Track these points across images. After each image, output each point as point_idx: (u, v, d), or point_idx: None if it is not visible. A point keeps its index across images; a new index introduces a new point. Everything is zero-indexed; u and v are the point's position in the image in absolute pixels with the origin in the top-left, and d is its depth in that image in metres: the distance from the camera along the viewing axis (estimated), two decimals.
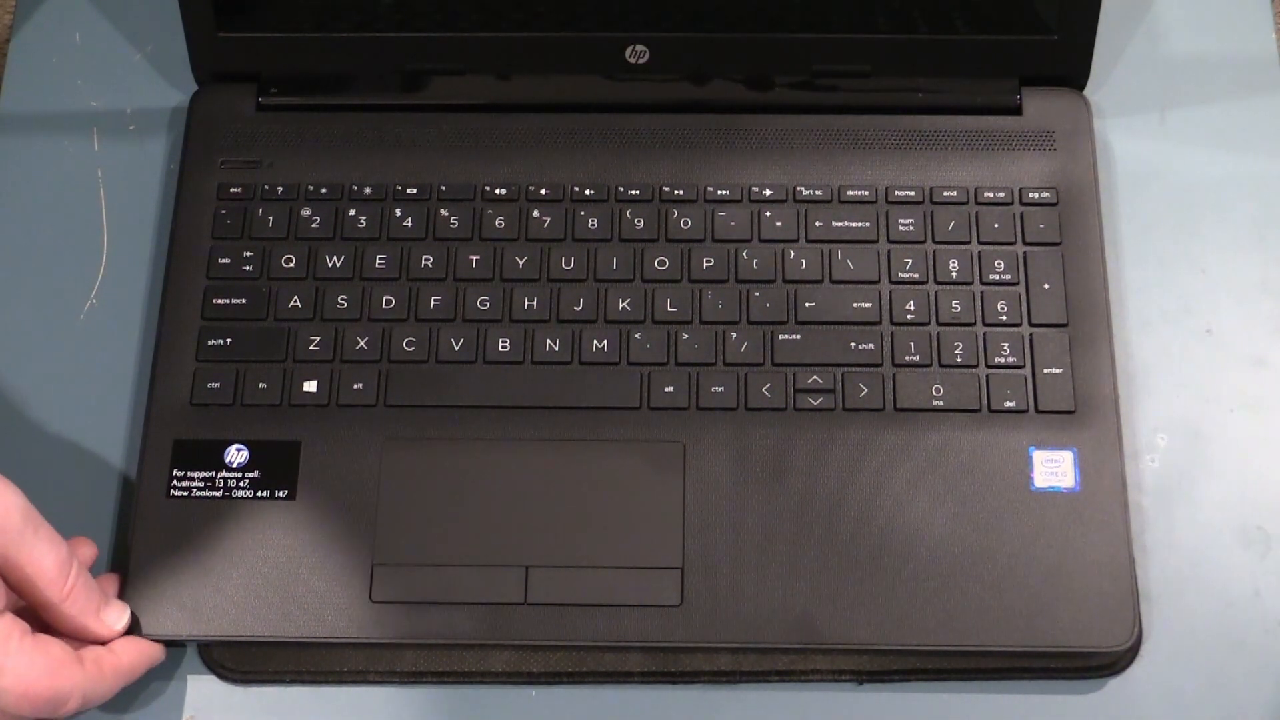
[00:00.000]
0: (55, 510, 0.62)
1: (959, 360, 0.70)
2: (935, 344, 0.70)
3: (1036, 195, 0.73)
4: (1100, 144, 0.76)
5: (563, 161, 0.75)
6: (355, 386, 0.70)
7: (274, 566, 0.67)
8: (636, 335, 0.71)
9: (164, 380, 0.70)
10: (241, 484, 0.69)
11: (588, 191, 0.74)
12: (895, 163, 0.74)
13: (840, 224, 0.73)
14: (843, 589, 0.66)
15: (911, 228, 0.73)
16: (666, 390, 0.70)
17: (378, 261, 0.73)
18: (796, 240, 0.73)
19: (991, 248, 0.72)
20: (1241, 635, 0.67)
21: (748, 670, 0.67)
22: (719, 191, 0.74)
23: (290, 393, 0.70)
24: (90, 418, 0.72)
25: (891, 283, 0.72)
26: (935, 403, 0.69)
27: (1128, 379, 0.72)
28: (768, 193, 0.74)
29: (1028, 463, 0.68)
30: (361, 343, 0.71)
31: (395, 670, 0.67)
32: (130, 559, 0.67)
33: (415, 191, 0.74)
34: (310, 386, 0.70)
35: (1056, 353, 0.70)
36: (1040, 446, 0.69)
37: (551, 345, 0.71)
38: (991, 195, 0.73)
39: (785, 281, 0.72)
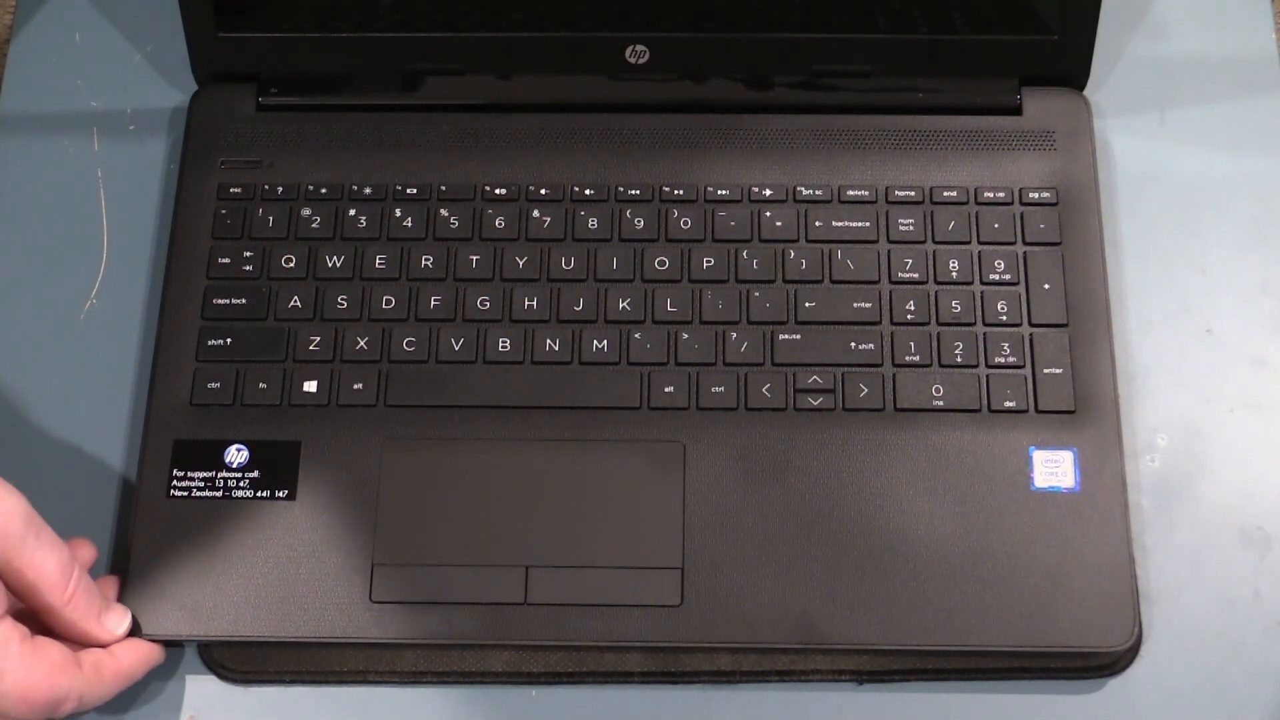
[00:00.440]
0: (55, 510, 0.62)
1: (959, 360, 0.70)
2: (935, 344, 0.70)
3: (1036, 195, 0.73)
4: (1100, 144, 0.76)
5: (563, 161, 0.75)
6: (355, 386, 0.70)
7: (274, 566, 0.67)
8: (636, 335, 0.71)
9: (164, 380, 0.70)
10: (241, 484, 0.69)
11: (588, 191, 0.74)
12: (895, 163, 0.74)
13: (840, 224, 0.73)
14: (843, 589, 0.66)
15: (911, 228, 0.73)
16: (666, 390, 0.70)
17: (378, 261, 0.73)
18: (796, 240, 0.73)
19: (991, 248, 0.72)
20: (1241, 635, 0.67)
21: (748, 670, 0.67)
22: (719, 191, 0.74)
23: (290, 393, 0.70)
24: (90, 418, 0.72)
25: (891, 283, 0.72)
26: (935, 403, 0.69)
27: (1128, 379, 0.72)
28: (768, 193, 0.74)
29: (1028, 463, 0.68)
30: (361, 343, 0.71)
31: (395, 670, 0.67)
32: (130, 559, 0.67)
33: (415, 191, 0.74)
34: (310, 386, 0.70)
35: (1056, 353, 0.70)
36: (1040, 446, 0.69)
37: (551, 345, 0.71)
38: (991, 195, 0.73)
39: (785, 281, 0.72)
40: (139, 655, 0.65)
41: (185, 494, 0.68)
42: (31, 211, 0.76)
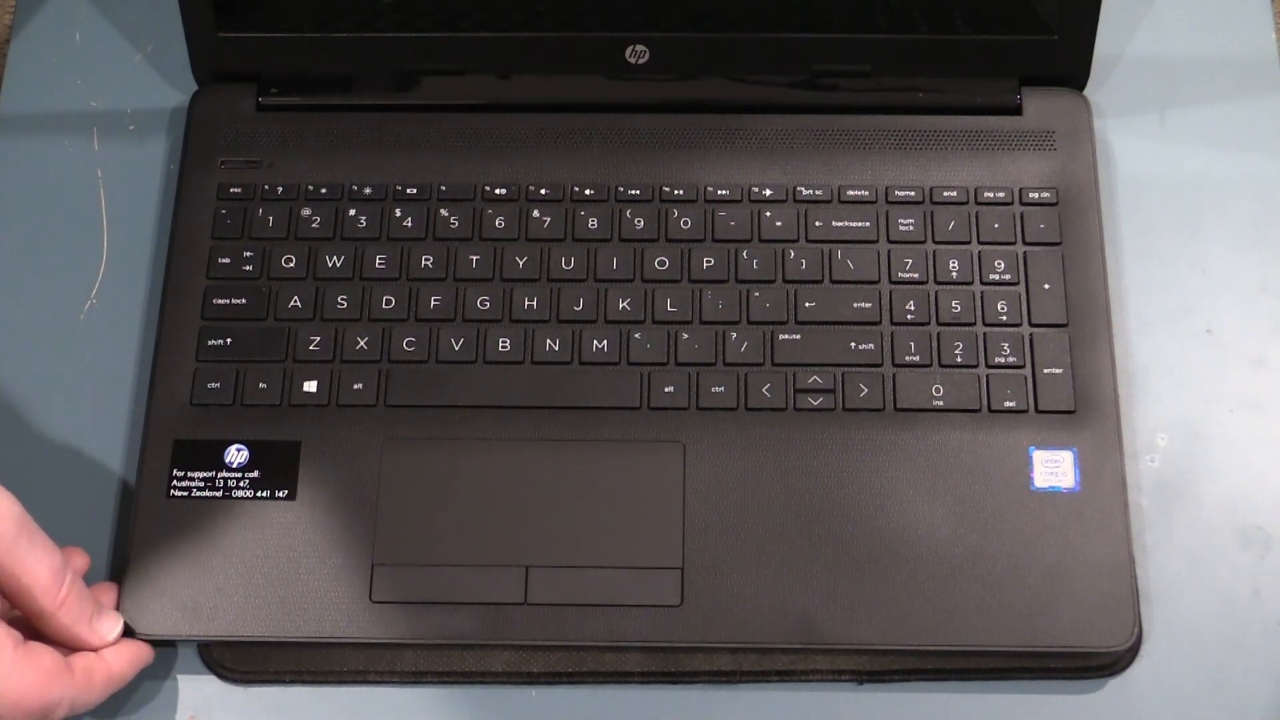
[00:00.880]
0: (55, 510, 0.62)
1: (959, 360, 0.70)
2: (935, 344, 0.70)
3: (1036, 195, 0.73)
4: (1100, 144, 0.76)
5: (563, 161, 0.75)
6: (355, 386, 0.70)
7: (274, 566, 0.67)
8: (636, 335, 0.71)
9: (164, 380, 0.70)
10: (241, 484, 0.69)
11: (588, 191, 0.74)
12: (895, 163, 0.74)
13: (840, 224, 0.73)
14: (843, 589, 0.66)
15: (911, 228, 0.73)
16: (666, 390, 0.70)
17: (378, 261, 0.73)
18: (796, 240, 0.73)
19: (991, 248, 0.72)
20: (1241, 635, 0.67)
21: (748, 670, 0.67)
22: (719, 191, 0.74)
23: (290, 393, 0.70)
24: (90, 418, 0.72)
25: (891, 283, 0.72)
26: (935, 403, 0.69)
27: (1128, 379, 0.72)
28: (768, 193, 0.74)
29: (1028, 463, 0.68)
30: (361, 343, 0.71)
31: (395, 670, 0.67)
32: (130, 559, 0.67)
33: (415, 191, 0.74)
34: (310, 386, 0.70)
35: (1056, 353, 0.70)
36: (1040, 446, 0.69)
37: (551, 345, 0.71)
38: (991, 195, 0.73)
39: (785, 281, 0.72)
40: (129, 658, 0.65)
41: (185, 494, 0.68)
42: (31, 211, 0.76)
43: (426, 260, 0.72)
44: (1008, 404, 0.69)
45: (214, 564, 0.67)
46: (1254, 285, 0.74)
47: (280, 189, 0.74)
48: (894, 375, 0.70)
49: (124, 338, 0.73)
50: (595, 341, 0.71)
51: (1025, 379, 0.70)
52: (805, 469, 0.68)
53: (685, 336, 0.71)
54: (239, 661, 0.67)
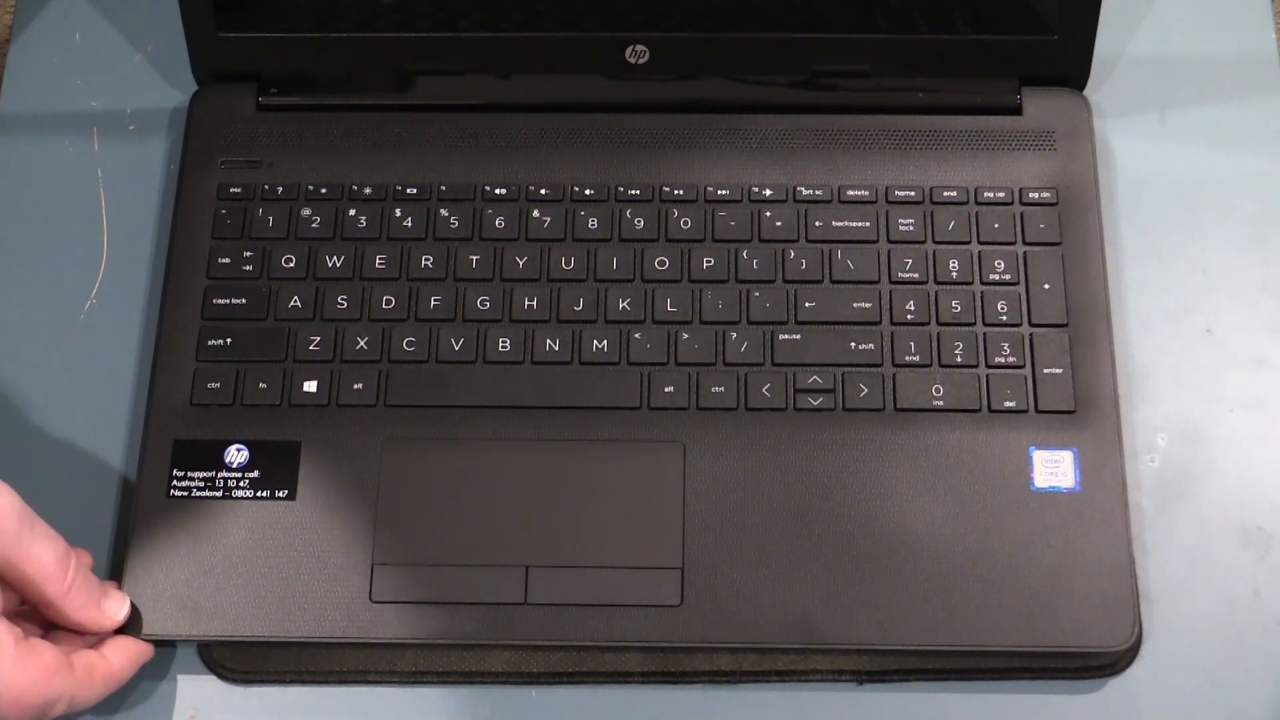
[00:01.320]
0: (54, 510, 0.62)
1: (959, 360, 0.70)
2: (935, 344, 0.70)
3: (1036, 195, 0.73)
4: (1100, 144, 0.76)
5: (563, 161, 0.75)
6: (355, 386, 0.70)
7: (274, 566, 0.67)
8: (636, 335, 0.71)
9: (164, 380, 0.70)
10: (241, 484, 0.69)
11: (588, 191, 0.74)
12: (895, 163, 0.74)
13: (840, 224, 0.73)
14: (843, 589, 0.66)
15: (911, 228, 0.73)
16: (666, 390, 0.70)
17: (378, 261, 0.73)
18: (796, 240, 0.73)
19: (991, 248, 0.72)
20: (1241, 635, 0.67)
21: (748, 670, 0.67)
22: (719, 191, 0.74)
23: (290, 393, 0.70)
24: (90, 418, 0.72)
25: (891, 283, 0.72)
26: (935, 403, 0.69)
27: (1128, 379, 0.72)
28: (768, 193, 0.74)
29: (1028, 463, 0.68)
30: (361, 343, 0.71)
31: (395, 670, 0.67)
32: (130, 559, 0.67)
33: (415, 191, 0.74)
34: (310, 386, 0.70)
35: (1056, 353, 0.70)
36: (1040, 446, 0.69)
37: (551, 345, 0.71)
38: (991, 195, 0.73)
39: (785, 281, 0.72)
40: (129, 655, 0.65)
41: (185, 494, 0.68)
42: (31, 211, 0.76)
43: (426, 260, 0.72)
44: (1008, 404, 0.69)
45: (214, 564, 0.67)
46: (1254, 285, 0.74)
47: (280, 189, 0.74)
48: (894, 375, 0.70)
49: (124, 338, 0.73)
50: (595, 341, 0.71)
51: (1025, 379, 0.70)
52: (805, 469, 0.68)
53: (685, 336, 0.71)
54: (239, 661, 0.67)
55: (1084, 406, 0.69)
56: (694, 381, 0.70)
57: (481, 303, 0.72)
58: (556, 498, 0.68)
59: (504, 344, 0.71)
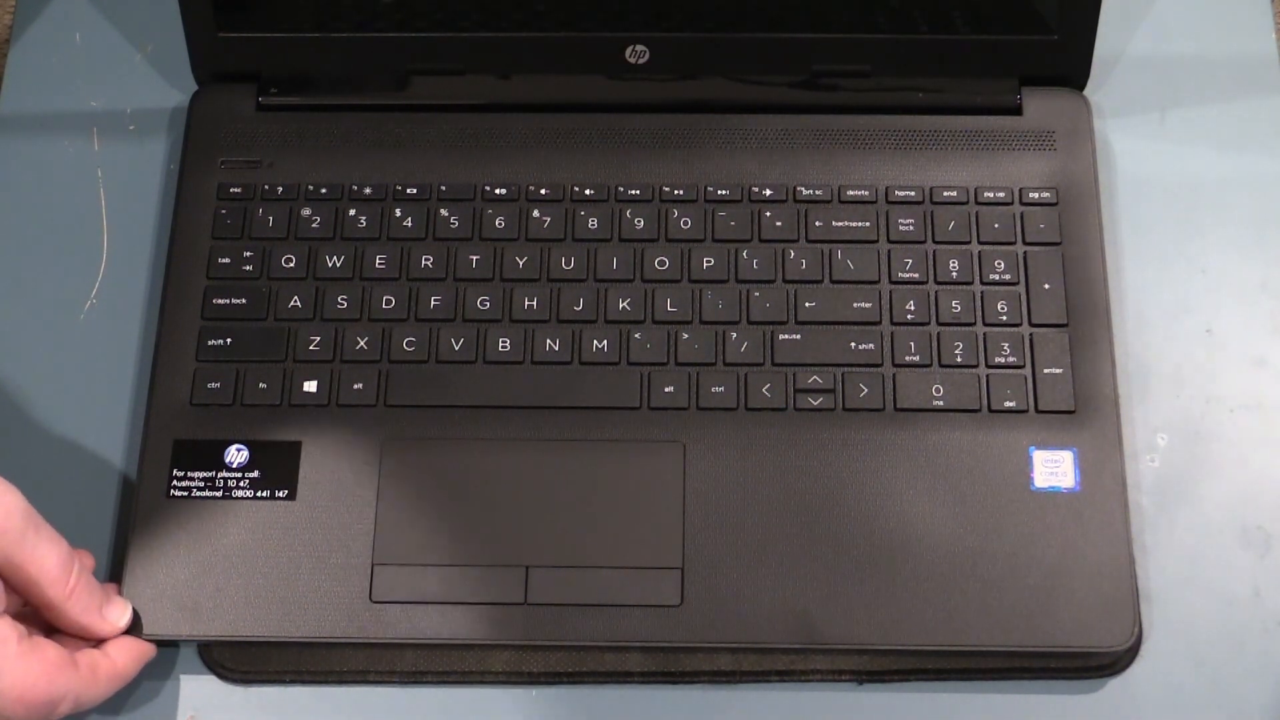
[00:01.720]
0: (55, 511, 0.62)
1: (959, 360, 0.70)
2: (935, 344, 0.70)
3: (1036, 195, 0.73)
4: (1100, 144, 0.76)
5: (563, 161, 0.75)
6: (355, 386, 0.70)
7: (274, 566, 0.67)
8: (636, 335, 0.71)
9: (164, 380, 0.70)
10: (241, 484, 0.69)
11: (588, 191, 0.74)
12: (895, 163, 0.74)
13: (840, 224, 0.73)
14: (843, 589, 0.66)
15: (911, 228, 0.73)
16: (666, 390, 0.70)
17: (378, 261, 0.73)
18: (796, 240, 0.73)
19: (991, 248, 0.72)
20: (1241, 635, 0.67)
21: (748, 670, 0.67)
22: (719, 191, 0.74)
23: (290, 393, 0.70)
24: (90, 418, 0.72)
25: (891, 283, 0.72)
26: (935, 403, 0.69)
27: (1128, 379, 0.72)
28: (768, 193, 0.74)
29: (1028, 463, 0.68)
30: (361, 343, 0.71)
31: (395, 670, 0.67)
32: (130, 559, 0.67)
33: (415, 191, 0.74)
34: (310, 386, 0.70)
35: (1056, 353, 0.70)
36: (1040, 446, 0.69)
37: (551, 345, 0.71)
38: (991, 195, 0.73)
39: (785, 281, 0.72)
40: (133, 654, 0.65)
41: (185, 494, 0.68)
42: (31, 211, 0.76)
43: (426, 260, 0.72)
44: (1008, 404, 0.69)
45: (214, 564, 0.67)
46: (1254, 285, 0.74)
47: (280, 189, 0.74)
48: (894, 375, 0.70)
49: (124, 338, 0.73)
50: (595, 341, 0.71)
51: (1025, 379, 0.70)
52: (805, 469, 0.68)
53: (685, 336, 0.71)
54: (239, 661, 0.67)
55: (1084, 406, 0.69)
56: (694, 381, 0.70)
57: (481, 303, 0.72)
58: (556, 498, 0.68)
59: (504, 344, 0.71)
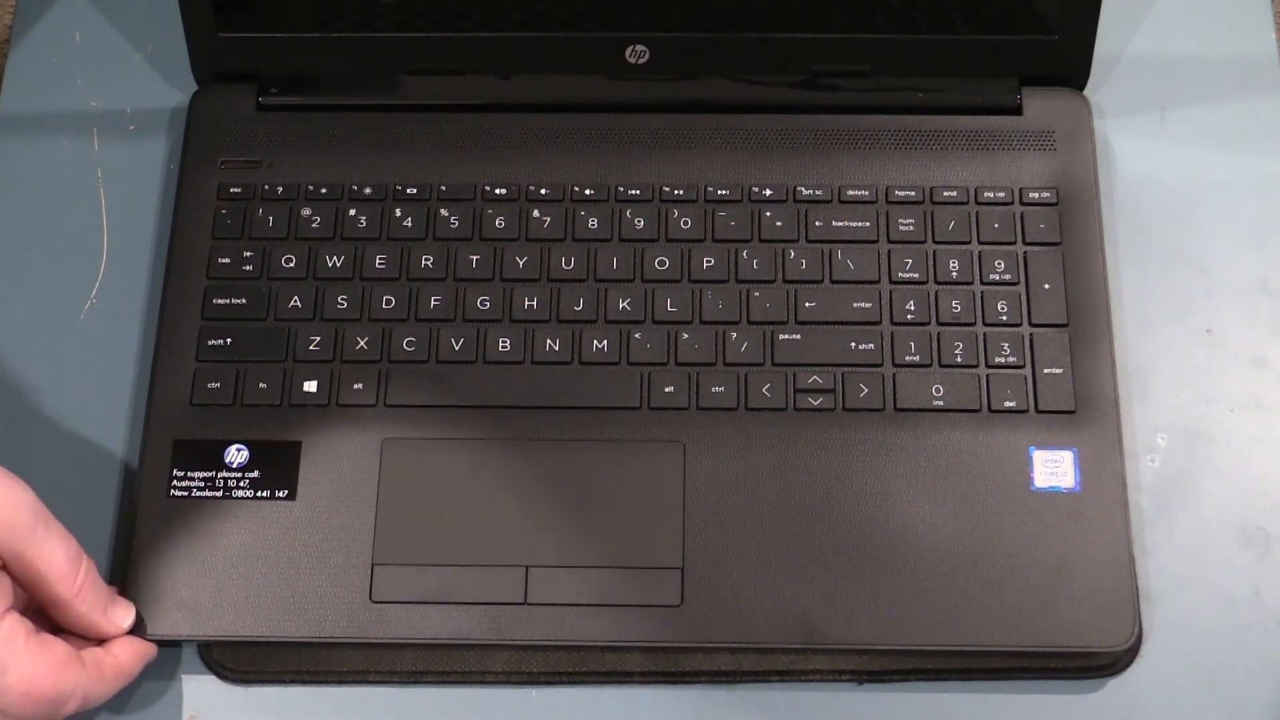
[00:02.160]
0: (55, 511, 0.62)
1: (959, 360, 0.70)
2: (935, 344, 0.70)
3: (1036, 195, 0.73)
4: (1100, 144, 0.76)
5: (563, 161, 0.75)
6: (355, 386, 0.70)
7: (274, 566, 0.67)
8: (636, 335, 0.71)
9: (164, 380, 0.70)
10: (241, 484, 0.69)
11: (588, 191, 0.74)
12: (895, 163, 0.74)
13: (840, 224, 0.73)
14: (843, 589, 0.66)
15: (911, 228, 0.73)
16: (666, 390, 0.70)
17: (378, 261, 0.73)
18: (796, 240, 0.73)
19: (991, 248, 0.72)
20: (1241, 635, 0.67)
21: (748, 670, 0.67)
22: (719, 191, 0.74)
23: (290, 393, 0.70)
24: (90, 418, 0.72)
25: (891, 283, 0.72)
26: (935, 403, 0.69)
27: (1128, 379, 0.72)
28: (768, 193, 0.74)
29: (1028, 463, 0.68)
30: (361, 343, 0.71)
31: (395, 670, 0.67)
32: (130, 559, 0.67)
33: (415, 191, 0.74)
34: (310, 386, 0.70)
35: (1056, 353, 0.70)
36: (1040, 446, 0.69)
37: (551, 345, 0.71)
38: (991, 195, 0.73)
39: (785, 281, 0.72)
40: (136, 652, 0.65)
41: (185, 494, 0.68)
42: (31, 211, 0.76)
43: (426, 260, 0.72)
44: (1008, 404, 0.69)
45: (214, 564, 0.67)
46: (1254, 285, 0.74)
47: (280, 189, 0.74)
48: (894, 375, 0.70)
49: (124, 338, 0.73)
50: (595, 341, 0.71)
51: (1025, 379, 0.70)
52: (805, 469, 0.68)
53: (685, 336, 0.71)
54: (239, 661, 0.67)
55: (1084, 406, 0.69)
56: (694, 381, 0.70)
57: (481, 303, 0.72)
58: (556, 498, 0.68)
59: (504, 344, 0.71)
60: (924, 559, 0.66)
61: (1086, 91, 0.76)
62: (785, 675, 0.67)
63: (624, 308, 0.71)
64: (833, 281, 0.72)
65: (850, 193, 0.73)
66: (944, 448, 0.68)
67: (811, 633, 0.65)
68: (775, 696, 0.67)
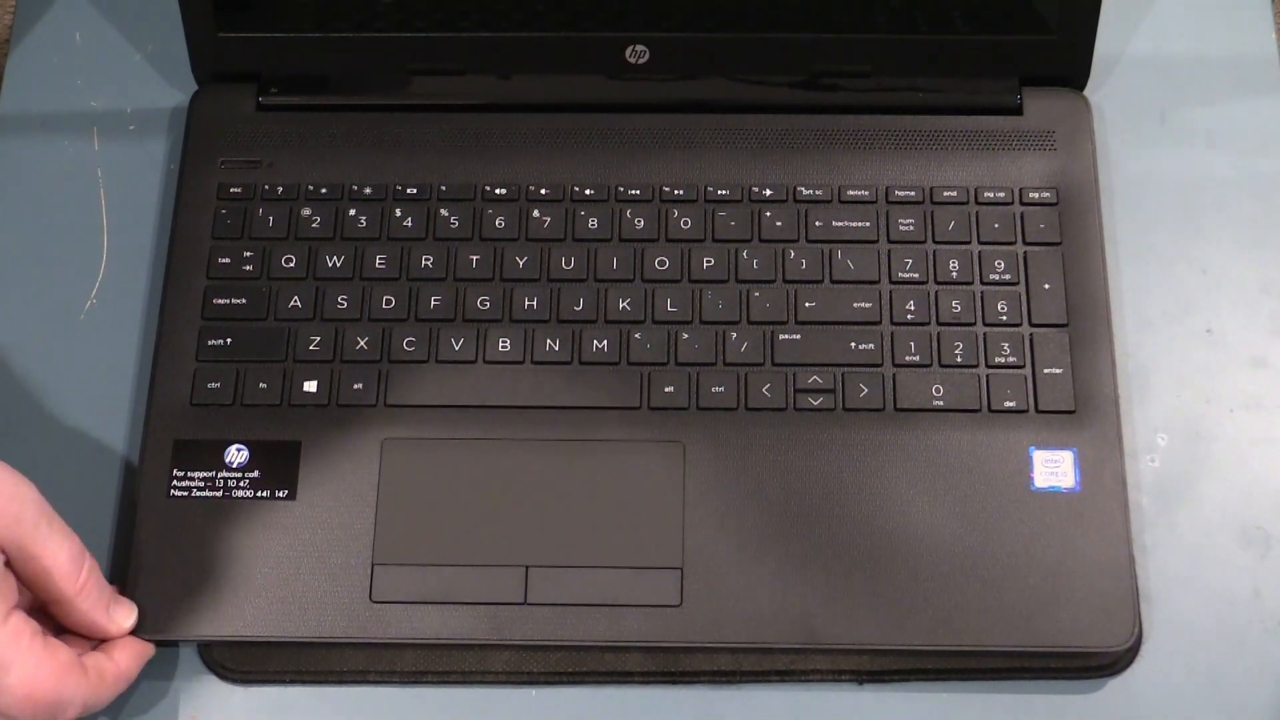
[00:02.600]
0: (56, 510, 0.62)
1: (959, 360, 0.70)
2: (935, 344, 0.70)
3: (1036, 195, 0.73)
4: (1100, 144, 0.76)
5: (563, 161, 0.75)
6: (355, 386, 0.70)
7: (274, 566, 0.67)
8: (636, 335, 0.71)
9: (164, 380, 0.70)
10: (241, 484, 0.69)
11: (588, 191, 0.74)
12: (895, 163, 0.74)
13: (840, 224, 0.73)
14: (843, 589, 0.66)
15: (911, 228, 0.73)
16: (666, 390, 0.70)
17: (378, 261, 0.73)
18: (796, 240, 0.73)
19: (991, 248, 0.72)
20: (1241, 635, 0.67)
21: (748, 670, 0.67)
22: (719, 191, 0.74)
23: (290, 393, 0.70)
24: (90, 418, 0.72)
25: (891, 283, 0.72)
26: (935, 403, 0.69)
27: (1128, 379, 0.72)
28: (768, 193, 0.74)
29: (1028, 463, 0.68)
30: (361, 343, 0.71)
31: (395, 670, 0.67)
32: (131, 559, 0.67)
33: (415, 191, 0.74)
34: (310, 386, 0.70)
35: (1056, 353, 0.70)
36: (1040, 446, 0.69)
37: (551, 345, 0.71)
38: (991, 195, 0.73)
39: (785, 281, 0.72)
40: (135, 654, 0.65)
41: (185, 494, 0.68)
42: (31, 211, 0.76)
43: (426, 260, 0.72)
44: (1008, 404, 0.69)
45: (214, 564, 0.67)
46: (1254, 285, 0.74)
47: (280, 189, 0.74)
48: (894, 375, 0.70)
49: (124, 338, 0.73)
50: (595, 341, 0.71)
51: (1025, 379, 0.70)
52: (805, 469, 0.68)
53: (685, 336, 0.71)
54: (239, 661, 0.67)
55: (1084, 406, 0.69)
56: (694, 381, 0.70)
57: (481, 303, 0.72)
58: (556, 498, 0.68)
59: (504, 344, 0.71)
60: (924, 559, 0.66)
61: (1086, 91, 0.76)
62: (785, 675, 0.67)
63: (624, 308, 0.71)
64: (833, 281, 0.72)
65: (850, 193, 0.73)
66: (944, 448, 0.68)
67: (811, 633, 0.65)
68: (775, 696, 0.67)
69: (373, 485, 0.68)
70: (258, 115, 0.76)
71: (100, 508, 0.70)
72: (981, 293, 0.71)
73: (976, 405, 0.69)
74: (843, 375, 0.70)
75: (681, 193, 0.74)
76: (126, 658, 0.64)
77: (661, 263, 0.72)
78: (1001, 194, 0.73)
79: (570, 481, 0.68)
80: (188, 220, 0.74)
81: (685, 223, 0.73)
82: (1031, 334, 0.71)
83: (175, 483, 0.69)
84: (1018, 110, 0.75)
